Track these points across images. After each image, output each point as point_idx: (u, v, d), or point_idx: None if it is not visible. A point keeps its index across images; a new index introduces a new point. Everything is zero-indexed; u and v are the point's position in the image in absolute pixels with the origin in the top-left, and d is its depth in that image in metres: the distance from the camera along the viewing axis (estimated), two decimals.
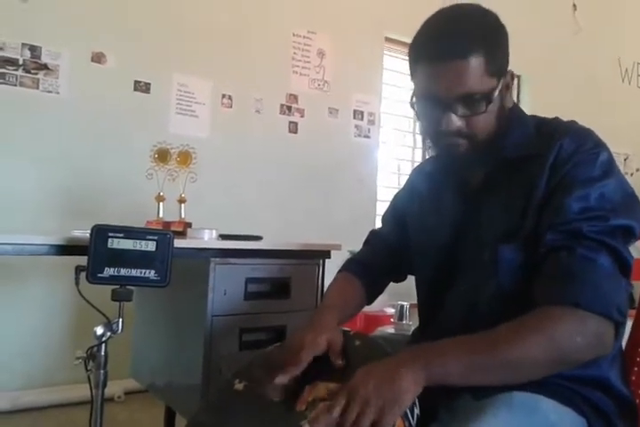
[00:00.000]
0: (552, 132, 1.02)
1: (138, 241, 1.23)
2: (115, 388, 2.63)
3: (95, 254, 1.21)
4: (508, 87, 1.03)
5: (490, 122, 1.01)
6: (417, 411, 0.84)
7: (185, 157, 1.96)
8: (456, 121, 0.98)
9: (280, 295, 1.66)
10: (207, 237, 1.70)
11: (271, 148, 3.39)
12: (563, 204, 0.94)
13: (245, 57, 3.29)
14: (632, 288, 0.97)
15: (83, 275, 1.22)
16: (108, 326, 1.26)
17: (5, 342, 2.62)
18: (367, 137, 3.81)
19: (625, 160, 5.21)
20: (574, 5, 4.79)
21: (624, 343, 1.13)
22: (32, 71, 2.69)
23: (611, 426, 0.95)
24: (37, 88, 2.70)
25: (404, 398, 0.82)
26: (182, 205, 1.99)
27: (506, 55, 1.01)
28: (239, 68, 3.28)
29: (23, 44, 2.67)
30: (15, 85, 2.65)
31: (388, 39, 3.88)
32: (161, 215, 1.96)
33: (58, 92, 2.75)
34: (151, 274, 1.24)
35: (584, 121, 1.06)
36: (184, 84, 3.10)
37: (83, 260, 1.23)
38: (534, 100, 4.51)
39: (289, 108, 3.47)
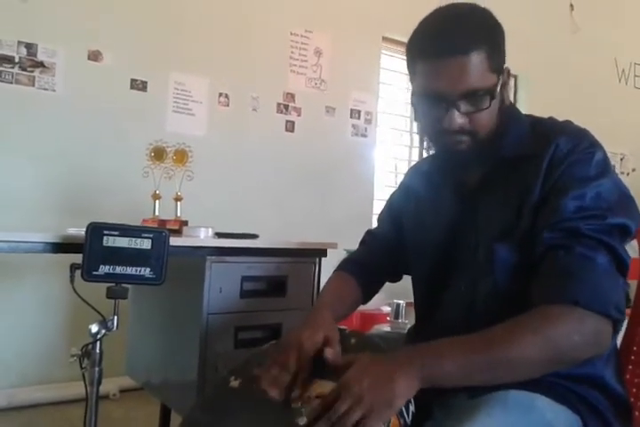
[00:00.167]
0: (547, 131, 1.02)
1: (133, 239, 1.23)
2: (110, 385, 2.63)
3: (90, 252, 1.20)
4: (505, 84, 1.03)
5: (491, 119, 1.01)
6: (412, 408, 0.84)
7: (181, 156, 1.96)
8: (459, 118, 0.98)
9: (276, 294, 1.66)
10: (203, 236, 1.70)
11: (268, 146, 3.38)
12: (559, 203, 0.94)
13: (242, 55, 3.29)
14: (628, 287, 0.97)
15: (78, 273, 1.22)
16: (103, 323, 1.26)
17: (0, 339, 2.61)
18: (364, 136, 3.81)
19: (621, 160, 5.22)
20: (571, 5, 4.79)
21: (619, 342, 1.14)
22: (28, 69, 2.68)
23: (605, 424, 0.95)
24: (33, 86, 2.70)
25: (397, 401, 0.82)
26: (178, 203, 1.99)
27: (504, 52, 1.01)
28: (236, 66, 3.27)
29: (19, 42, 2.66)
30: (11, 83, 2.64)
31: (385, 38, 3.88)
32: (157, 213, 1.96)
33: (54, 90, 2.74)
34: (146, 272, 1.24)
35: (580, 121, 1.06)
36: (181, 82, 3.10)
37: (78, 258, 1.22)
38: (531, 100, 4.51)
39: (286, 106, 3.47)
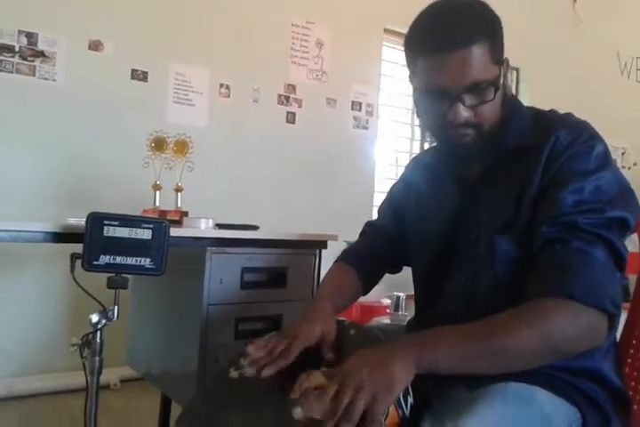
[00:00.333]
0: (548, 124, 1.02)
1: (133, 229, 1.23)
2: (110, 375, 2.64)
3: (91, 242, 1.20)
4: (505, 76, 1.03)
5: (495, 111, 1.01)
6: (410, 400, 0.85)
7: (181, 146, 1.96)
8: (464, 111, 0.98)
9: (276, 285, 1.66)
10: (203, 227, 1.70)
11: (268, 138, 3.38)
12: (558, 197, 0.94)
13: (243, 46, 3.27)
14: (626, 281, 0.97)
15: (78, 262, 1.22)
16: (104, 313, 1.26)
17: (1, 329, 2.62)
18: (365, 128, 3.80)
19: (622, 154, 5.22)
20: None
21: (618, 336, 1.14)
22: (29, 58, 2.67)
23: (604, 417, 0.95)
24: (34, 75, 2.69)
25: (397, 386, 0.82)
26: (179, 193, 1.99)
27: (503, 43, 1.01)
28: (237, 57, 3.26)
29: (20, 31, 2.65)
30: (11, 72, 2.63)
31: (387, 30, 3.87)
32: (157, 204, 1.96)
33: (54, 80, 2.74)
34: (147, 262, 1.24)
35: (582, 114, 1.06)
36: (182, 72, 3.09)
37: (79, 247, 1.22)
38: (533, 93, 4.50)
39: (287, 98, 3.46)
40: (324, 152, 3.56)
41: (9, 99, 2.64)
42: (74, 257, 1.23)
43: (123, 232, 1.22)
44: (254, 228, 1.77)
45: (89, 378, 1.27)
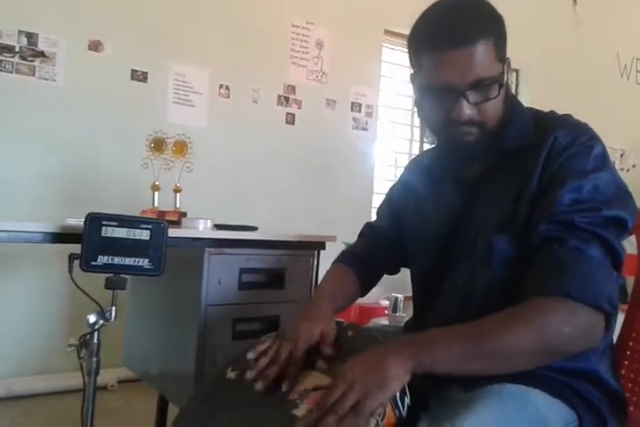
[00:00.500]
0: (547, 124, 1.02)
1: (132, 230, 1.23)
2: (108, 376, 2.63)
3: (89, 242, 1.20)
4: (507, 75, 1.03)
5: (498, 109, 1.01)
6: (407, 400, 0.85)
7: (181, 147, 1.96)
8: (468, 109, 0.98)
9: (274, 286, 1.66)
10: (202, 227, 1.70)
11: (268, 139, 3.38)
12: (556, 195, 0.94)
13: (243, 47, 3.27)
14: (624, 281, 0.97)
15: (76, 263, 1.22)
16: (101, 314, 1.26)
17: None
18: (365, 129, 3.80)
19: (621, 156, 5.22)
20: None
21: (615, 337, 1.14)
22: (28, 58, 2.67)
23: (600, 419, 0.95)
24: (34, 75, 2.69)
25: (391, 385, 0.82)
26: (177, 194, 1.99)
27: (506, 41, 1.01)
28: (237, 57, 3.26)
29: (20, 31, 2.65)
30: (11, 72, 2.64)
31: (387, 31, 3.87)
32: (156, 205, 1.96)
33: (54, 80, 2.74)
34: (145, 263, 1.24)
35: (582, 116, 1.06)
36: (181, 73, 3.09)
37: (77, 248, 1.22)
38: (532, 94, 4.50)
39: (286, 99, 3.46)
40: (323, 153, 3.56)
41: (8, 99, 2.63)
42: (72, 257, 1.23)
43: (121, 233, 1.22)
44: (253, 229, 1.77)
45: (86, 379, 1.27)
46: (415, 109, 1.11)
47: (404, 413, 0.84)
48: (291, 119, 3.48)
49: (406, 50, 1.05)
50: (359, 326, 1.15)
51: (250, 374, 0.98)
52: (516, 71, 4.61)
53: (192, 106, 3.13)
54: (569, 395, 0.94)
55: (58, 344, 2.58)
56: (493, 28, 0.98)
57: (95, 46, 2.84)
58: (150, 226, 1.25)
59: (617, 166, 4.89)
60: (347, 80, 3.70)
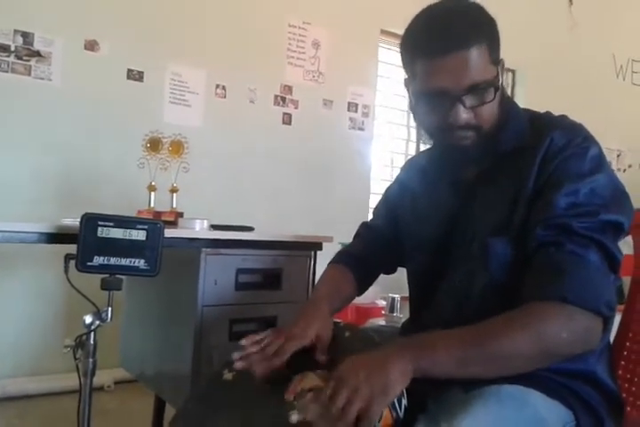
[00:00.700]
0: (543, 125, 1.02)
1: (128, 230, 1.23)
2: (104, 377, 2.63)
3: (85, 243, 1.20)
4: (502, 77, 1.03)
5: (494, 112, 1.01)
6: (405, 402, 0.85)
7: (177, 147, 1.95)
8: (464, 113, 0.98)
9: (271, 286, 1.66)
10: (198, 228, 1.69)
11: (264, 139, 3.37)
12: (552, 198, 0.94)
13: (240, 47, 3.27)
14: (621, 283, 0.97)
15: (72, 263, 1.21)
16: (97, 314, 1.26)
17: None
18: (361, 129, 3.80)
19: (618, 156, 5.23)
20: (570, 0, 4.79)
21: (612, 338, 1.14)
22: (24, 58, 2.66)
23: (597, 419, 0.96)
24: (29, 75, 2.68)
25: (393, 389, 0.82)
26: (174, 194, 1.98)
27: (499, 44, 1.01)
28: (233, 57, 3.26)
29: (16, 31, 2.64)
30: (7, 72, 2.63)
31: (383, 31, 3.87)
32: (152, 205, 1.95)
33: (50, 80, 2.73)
34: (141, 263, 1.24)
35: (578, 116, 1.06)
36: (178, 73, 3.08)
37: (73, 248, 1.22)
38: (528, 95, 4.51)
39: (283, 99, 3.46)
40: (319, 153, 3.56)
41: (4, 98, 2.62)
42: (68, 258, 1.23)
43: (117, 233, 1.22)
44: (249, 229, 1.77)
45: (82, 379, 1.26)
46: (410, 112, 1.10)
47: (401, 414, 0.83)
48: (287, 119, 3.47)
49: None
50: (356, 327, 1.15)
51: (235, 355, 0.98)
52: (513, 72, 4.62)
53: (188, 106, 3.12)
54: (567, 396, 0.94)
55: (53, 345, 2.57)
56: (486, 31, 0.98)
57: (91, 46, 2.83)
58: (146, 226, 1.24)
59: (613, 167, 4.90)
60: (343, 80, 3.70)
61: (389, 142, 4.08)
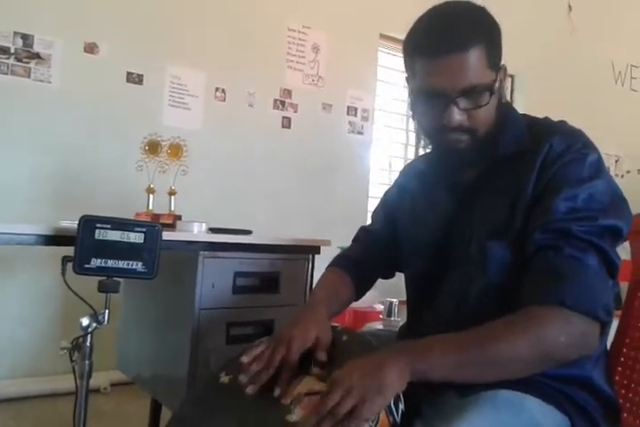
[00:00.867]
0: (542, 131, 1.02)
1: (126, 233, 1.22)
2: (101, 379, 2.62)
3: (82, 245, 1.20)
4: (502, 82, 1.04)
5: (489, 116, 1.01)
6: (402, 406, 0.84)
7: (176, 150, 1.95)
8: (458, 115, 0.98)
9: (269, 290, 1.66)
10: (196, 231, 1.69)
11: (264, 142, 3.38)
12: (551, 203, 0.94)
13: (239, 50, 3.28)
14: (618, 288, 0.97)
15: (70, 265, 1.21)
16: (94, 317, 1.25)
17: None
18: (360, 133, 3.81)
19: (616, 162, 5.24)
20: (569, 6, 4.80)
21: (609, 344, 1.14)
22: (24, 60, 2.67)
23: (593, 425, 0.95)
24: (29, 77, 2.68)
25: (388, 391, 0.82)
26: (172, 197, 1.98)
27: (501, 49, 1.01)
28: (233, 61, 3.26)
29: (15, 33, 2.65)
30: (6, 74, 2.63)
31: (382, 36, 3.88)
32: (150, 207, 1.95)
33: (50, 82, 2.73)
34: (138, 266, 1.24)
35: (577, 122, 1.06)
36: (177, 76, 3.09)
37: (70, 250, 1.22)
38: (528, 101, 4.52)
39: (282, 102, 3.46)
40: (319, 157, 3.56)
41: (3, 100, 2.63)
42: (65, 260, 1.23)
43: (115, 235, 1.22)
44: (247, 232, 1.77)
45: (79, 382, 1.26)
46: (410, 113, 1.11)
47: (397, 419, 0.83)
48: (287, 123, 3.48)
49: (402, 54, 1.05)
50: (354, 331, 1.14)
51: (243, 378, 0.97)
52: (512, 77, 4.63)
53: (187, 109, 3.13)
54: (563, 401, 0.93)
55: (50, 347, 2.56)
56: (487, 34, 0.98)
57: (91, 48, 2.83)
58: (144, 229, 1.24)
59: (612, 172, 4.90)
60: (343, 84, 3.71)
61: (388, 146, 4.08)
